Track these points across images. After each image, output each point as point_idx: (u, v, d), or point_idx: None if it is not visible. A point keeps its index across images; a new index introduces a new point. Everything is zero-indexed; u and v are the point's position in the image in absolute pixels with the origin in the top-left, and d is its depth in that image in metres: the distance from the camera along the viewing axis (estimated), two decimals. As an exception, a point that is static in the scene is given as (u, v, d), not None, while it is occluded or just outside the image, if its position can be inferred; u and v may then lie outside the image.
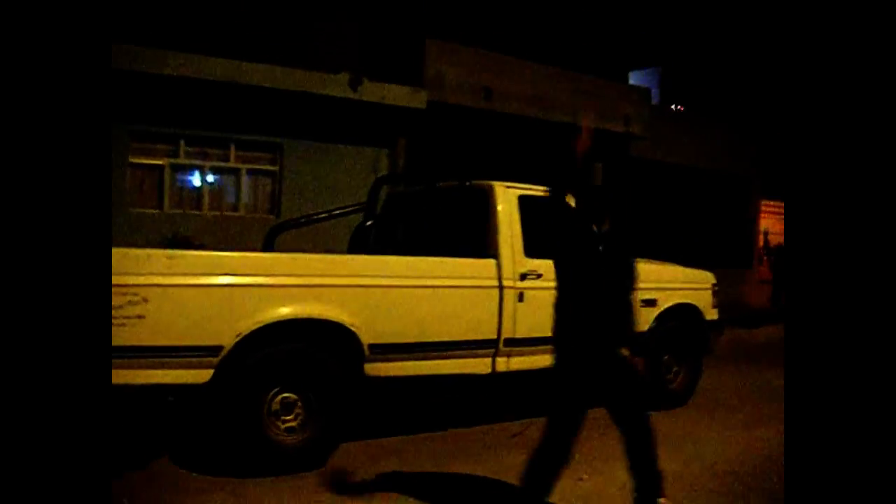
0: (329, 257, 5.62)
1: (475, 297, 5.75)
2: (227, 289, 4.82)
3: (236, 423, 4.88)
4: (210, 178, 11.00)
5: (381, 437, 5.86)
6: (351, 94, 10.94)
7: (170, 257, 4.76)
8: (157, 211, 10.41)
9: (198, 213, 10.76)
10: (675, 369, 7.38)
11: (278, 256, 5.57)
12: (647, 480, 4.12)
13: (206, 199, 10.93)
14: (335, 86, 10.82)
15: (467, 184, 6.35)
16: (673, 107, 18.39)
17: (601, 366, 4.04)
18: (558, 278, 4.12)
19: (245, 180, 11.19)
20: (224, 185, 11.19)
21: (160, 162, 10.49)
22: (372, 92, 11.10)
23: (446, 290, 5.65)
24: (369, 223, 7.15)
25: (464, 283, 5.67)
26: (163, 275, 4.60)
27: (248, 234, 9.98)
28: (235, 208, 11.17)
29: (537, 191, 6.45)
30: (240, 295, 4.87)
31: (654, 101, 16.96)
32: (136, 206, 10.19)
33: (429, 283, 5.59)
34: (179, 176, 10.82)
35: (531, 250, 5.98)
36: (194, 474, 4.93)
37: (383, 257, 5.78)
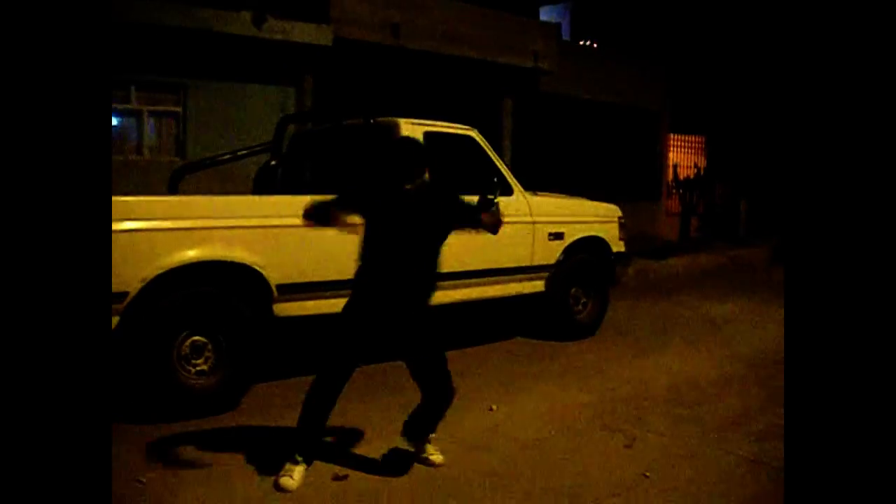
0: (233, 198, 5.55)
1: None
2: (129, 234, 4.71)
3: (146, 369, 4.84)
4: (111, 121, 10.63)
5: (293, 377, 5.88)
6: (255, 32, 10.63)
7: (66, 203, 4.63)
8: (56, 156, 10.05)
9: (99, 157, 10.41)
10: (583, 301, 7.59)
11: (181, 199, 5.47)
12: (418, 429, 4.22)
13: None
14: (238, 23, 10.49)
15: (372, 121, 6.31)
16: (585, 42, 18.48)
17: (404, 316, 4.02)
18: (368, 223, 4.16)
19: (148, 122, 10.84)
20: (126, 128, 10.81)
21: (57, 105, 10.08)
22: (276, 29, 10.80)
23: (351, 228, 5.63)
24: (274, 163, 7.06)
25: (371, 221, 5.65)
26: (59, 221, 4.47)
27: (154, 178, 9.70)
28: (139, 151, 10.82)
29: (444, 127, 6.47)
30: (143, 240, 4.78)
31: (565, 36, 16.99)
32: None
33: (335, 221, 5.55)
34: (78, 119, 10.43)
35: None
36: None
37: (288, 197, 5.72)
